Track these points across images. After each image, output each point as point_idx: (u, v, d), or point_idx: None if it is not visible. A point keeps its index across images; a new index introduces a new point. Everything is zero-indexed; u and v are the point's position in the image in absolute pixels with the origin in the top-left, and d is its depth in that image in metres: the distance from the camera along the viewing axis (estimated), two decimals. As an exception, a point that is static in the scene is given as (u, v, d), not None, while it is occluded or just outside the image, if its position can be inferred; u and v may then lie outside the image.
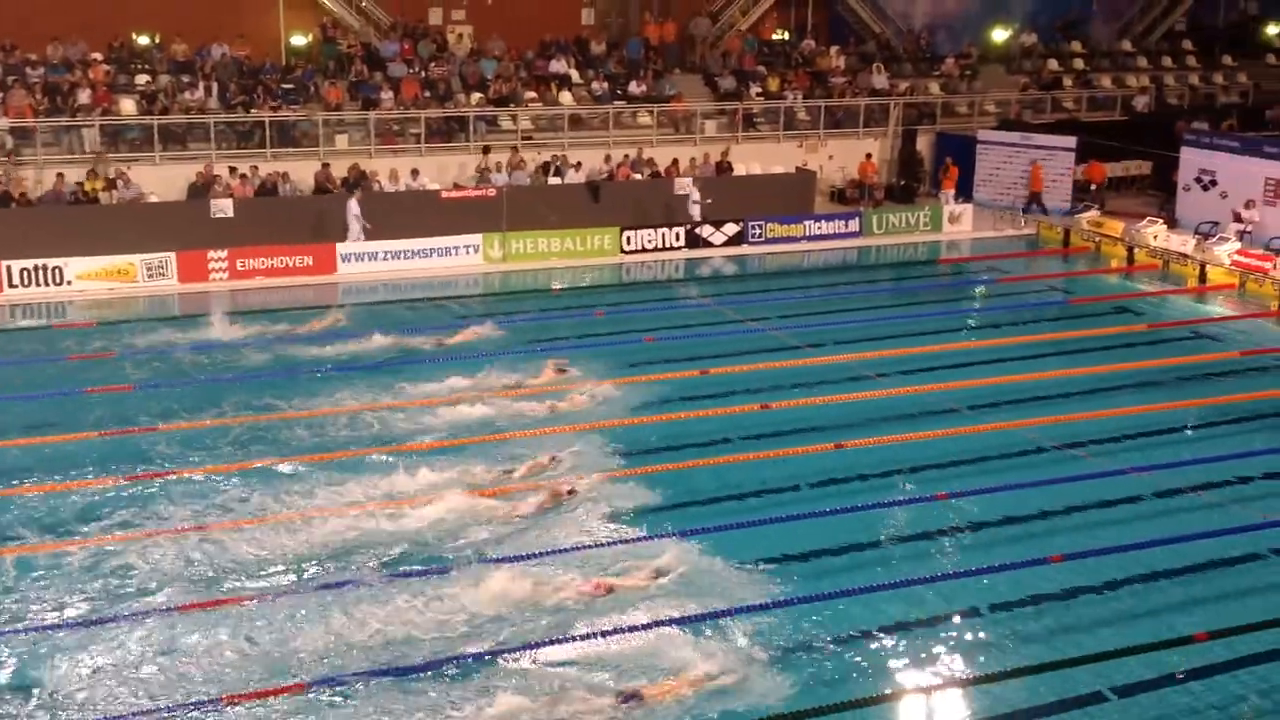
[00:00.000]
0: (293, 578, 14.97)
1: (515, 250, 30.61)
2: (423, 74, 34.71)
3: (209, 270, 28.29)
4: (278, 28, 35.41)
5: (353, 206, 29.50)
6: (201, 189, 29.80)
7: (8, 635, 13.60)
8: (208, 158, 30.66)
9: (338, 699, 12.67)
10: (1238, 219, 31.00)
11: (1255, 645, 13.66)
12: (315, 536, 15.78)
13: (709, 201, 32.13)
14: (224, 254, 28.35)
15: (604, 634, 13.62)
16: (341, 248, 29.16)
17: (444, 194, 31.10)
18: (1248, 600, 14.65)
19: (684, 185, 32.34)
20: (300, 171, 31.11)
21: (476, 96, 34.36)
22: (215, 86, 32.18)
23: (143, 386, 21.04)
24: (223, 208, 29.09)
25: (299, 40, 35.55)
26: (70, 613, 14.10)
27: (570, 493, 16.80)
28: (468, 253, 30.27)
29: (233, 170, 30.32)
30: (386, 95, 33.50)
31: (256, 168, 30.58)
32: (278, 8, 35.38)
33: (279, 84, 33.26)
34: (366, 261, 29.37)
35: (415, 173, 31.50)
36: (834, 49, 39.79)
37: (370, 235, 29.34)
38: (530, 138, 34.15)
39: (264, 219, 29.32)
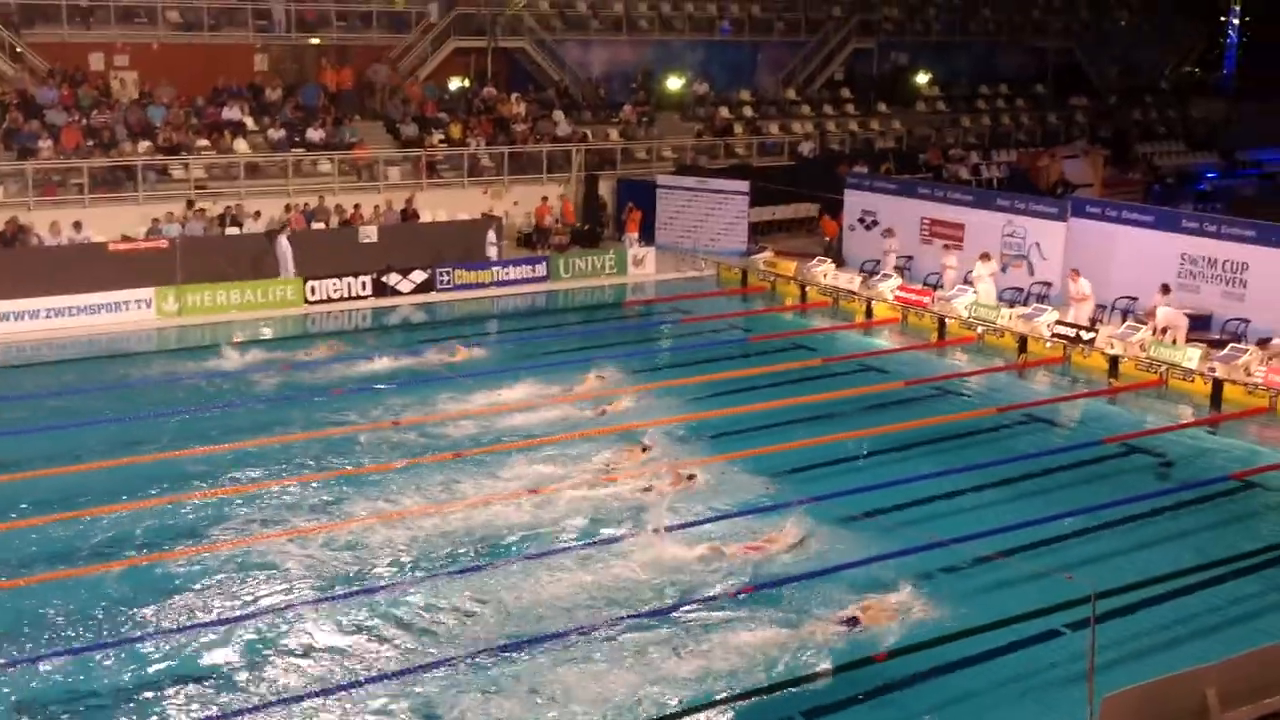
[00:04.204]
0: (476, 554, 16.90)
1: (191, 304, 29.43)
2: (85, 122, 33.01)
3: None
4: (-80, 73, 33.02)
5: (282, 243, 30.41)
6: None
7: (277, 612, 15.27)
8: None
9: (592, 643, 14.49)
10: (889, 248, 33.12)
11: (927, 662, 14.43)
12: (478, 522, 17.72)
13: (504, 243, 33.27)
14: None
15: (797, 579, 16.06)
16: (-1, 305, 27.41)
17: (111, 246, 29.61)
18: (920, 618, 15.41)
19: (491, 237, 33.33)
20: (-51, 225, 29.03)
21: (144, 145, 32.93)
22: None
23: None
24: None
25: (-55, 86, 33.21)
26: (322, 588, 15.95)
27: (690, 477, 19.12)
28: (139, 307, 28.92)
29: None
30: (45, 144, 31.68)
31: (-102, 222, 28.38)
32: (-80, 53, 33.01)
33: (-76, 133, 31.02)
34: (27, 320, 27.65)
35: (79, 225, 29.89)
36: (514, 96, 40.23)
37: (32, 292, 27.72)
38: (204, 187, 32.98)
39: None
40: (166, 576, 16.23)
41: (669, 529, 17.35)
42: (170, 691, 13.67)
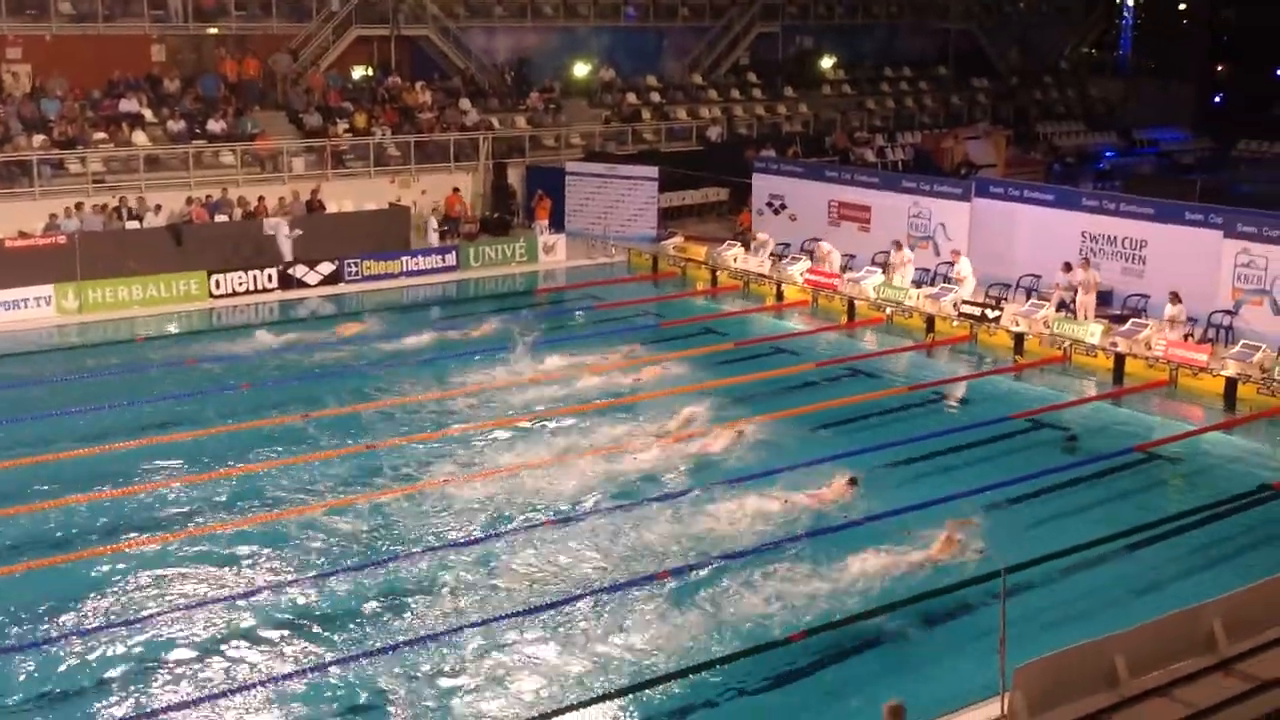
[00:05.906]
0: (579, 505, 18.10)
1: (92, 300, 28.81)
2: (-24, 116, 32.17)
3: None
4: None
5: (281, 227, 30.87)
6: None
7: (413, 555, 16.54)
8: None
9: (700, 576, 15.84)
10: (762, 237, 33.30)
11: (842, 640, 14.58)
12: (568, 477, 18.90)
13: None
14: None
15: (871, 518, 17.55)
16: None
17: (8, 243, 28.88)
18: (843, 598, 15.50)
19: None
20: None
21: (39, 139, 32.13)
22: None
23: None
24: None
25: None
26: (461, 534, 17.24)
27: (740, 434, 20.51)
28: (38, 305, 28.27)
29: None
30: (-65, 139, 30.83)
31: None
32: None
33: None
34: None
35: (-28, 222, 29.16)
36: (420, 84, 39.84)
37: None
38: (102, 180, 32.27)
39: None
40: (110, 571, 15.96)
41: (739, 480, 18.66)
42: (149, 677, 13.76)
